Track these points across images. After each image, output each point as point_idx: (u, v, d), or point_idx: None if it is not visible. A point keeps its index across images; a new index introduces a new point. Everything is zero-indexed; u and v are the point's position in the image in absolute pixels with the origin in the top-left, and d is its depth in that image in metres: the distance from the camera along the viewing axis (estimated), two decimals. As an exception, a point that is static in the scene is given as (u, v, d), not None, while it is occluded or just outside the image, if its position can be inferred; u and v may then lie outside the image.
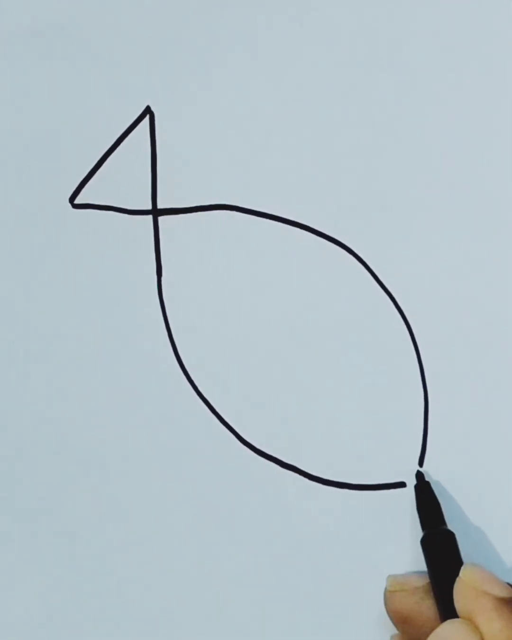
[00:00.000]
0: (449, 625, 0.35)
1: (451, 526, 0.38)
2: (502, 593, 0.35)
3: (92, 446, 0.40)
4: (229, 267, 0.41)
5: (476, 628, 0.34)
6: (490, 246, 0.40)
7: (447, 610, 0.36)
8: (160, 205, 0.41)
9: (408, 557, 0.39)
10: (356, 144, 0.41)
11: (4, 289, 0.41)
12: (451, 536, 0.38)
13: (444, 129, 0.41)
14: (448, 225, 0.41)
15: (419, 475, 0.39)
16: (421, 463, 0.40)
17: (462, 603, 0.35)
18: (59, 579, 0.40)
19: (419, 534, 0.38)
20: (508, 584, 0.36)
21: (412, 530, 0.39)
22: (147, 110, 0.41)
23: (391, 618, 0.38)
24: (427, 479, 0.39)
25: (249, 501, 0.40)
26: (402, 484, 0.40)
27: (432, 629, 0.36)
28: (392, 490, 0.40)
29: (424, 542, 0.38)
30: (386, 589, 0.38)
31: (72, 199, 0.41)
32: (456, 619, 0.35)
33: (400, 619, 0.38)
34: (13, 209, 0.41)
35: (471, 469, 0.40)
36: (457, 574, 0.36)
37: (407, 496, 0.40)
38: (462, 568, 0.36)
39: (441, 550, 0.37)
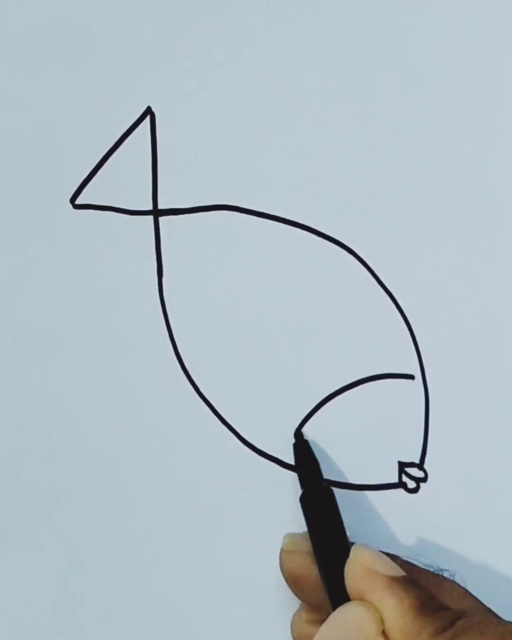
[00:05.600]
0: (347, 608, 0.35)
1: (451, 525, 0.38)
2: (393, 572, 0.35)
3: (93, 446, 0.40)
4: (230, 267, 0.41)
5: (374, 609, 0.34)
6: (490, 246, 0.40)
7: (329, 575, 0.36)
8: (161, 205, 0.41)
9: (409, 556, 0.39)
10: (356, 144, 0.41)
11: (4, 289, 0.41)
12: (329, 493, 0.38)
13: (445, 129, 0.41)
14: (449, 225, 0.41)
15: (298, 435, 0.39)
16: (422, 463, 0.40)
17: (354, 583, 0.35)
18: (59, 579, 0.40)
19: (420, 534, 0.38)
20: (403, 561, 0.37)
21: (412, 529, 0.40)
22: (148, 111, 0.41)
23: (285, 577, 0.38)
24: (426, 477, 0.39)
25: (249, 501, 0.40)
26: (402, 485, 0.40)
27: (323, 592, 0.36)
28: (392, 490, 0.40)
29: (303, 501, 0.38)
30: (281, 547, 0.38)
31: (72, 200, 0.41)
32: (352, 602, 0.35)
33: (292, 579, 0.38)
34: (14, 209, 0.41)
35: (472, 469, 0.40)
36: (336, 533, 0.37)
37: (408, 496, 0.40)
38: (352, 548, 0.36)
39: (320, 508, 0.37)
